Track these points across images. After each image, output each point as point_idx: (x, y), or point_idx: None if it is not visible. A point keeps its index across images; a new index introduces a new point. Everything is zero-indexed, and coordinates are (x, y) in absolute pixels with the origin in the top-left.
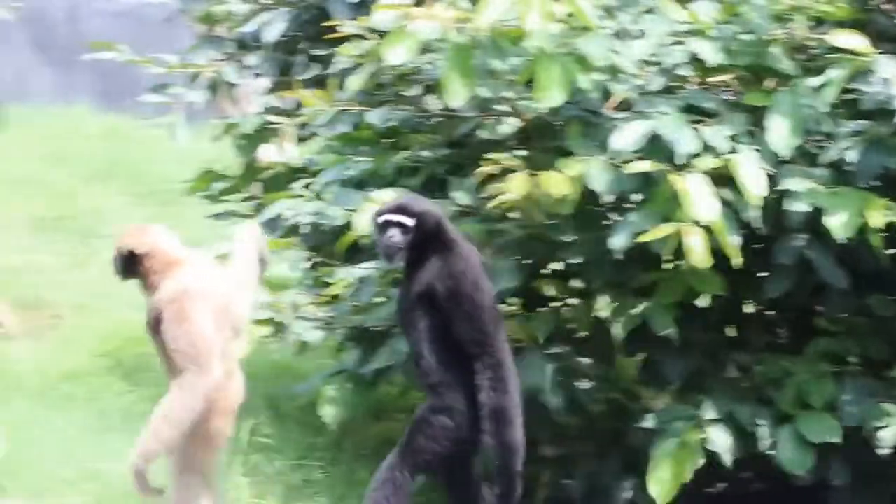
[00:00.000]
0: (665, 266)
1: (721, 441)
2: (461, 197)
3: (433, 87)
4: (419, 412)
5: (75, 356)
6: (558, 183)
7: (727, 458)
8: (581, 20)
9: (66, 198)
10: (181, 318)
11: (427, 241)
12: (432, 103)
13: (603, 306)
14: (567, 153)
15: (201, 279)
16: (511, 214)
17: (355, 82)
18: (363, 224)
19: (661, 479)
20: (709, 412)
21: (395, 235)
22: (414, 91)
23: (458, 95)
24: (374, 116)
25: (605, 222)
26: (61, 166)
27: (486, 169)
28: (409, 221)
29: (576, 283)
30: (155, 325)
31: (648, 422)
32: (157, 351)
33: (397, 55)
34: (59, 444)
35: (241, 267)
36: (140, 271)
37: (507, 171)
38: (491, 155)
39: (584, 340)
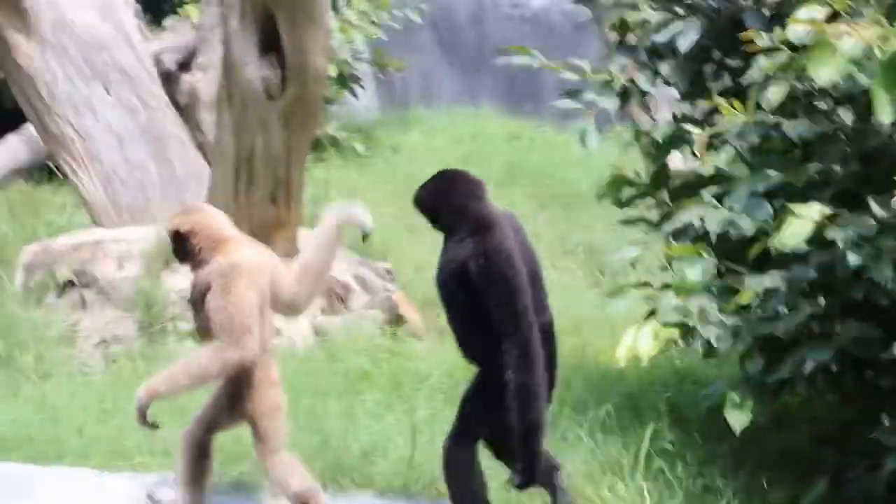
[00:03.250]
0: None
1: None
2: (878, 211)
3: (844, 100)
4: (466, 395)
5: None
6: None
7: None
8: None
9: None
10: (225, 292)
11: (458, 220)
12: (845, 116)
13: None
14: None
15: (253, 255)
16: None
17: (775, 95)
18: (787, 236)
19: None
20: None
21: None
22: (826, 104)
23: (887, 112)
24: (791, 128)
25: None
26: (467, 168)
27: None
28: (422, 203)
29: None
30: (199, 300)
31: None
32: (194, 320)
33: (824, 74)
34: None
35: (313, 251)
36: (188, 250)
37: None
38: None
39: None
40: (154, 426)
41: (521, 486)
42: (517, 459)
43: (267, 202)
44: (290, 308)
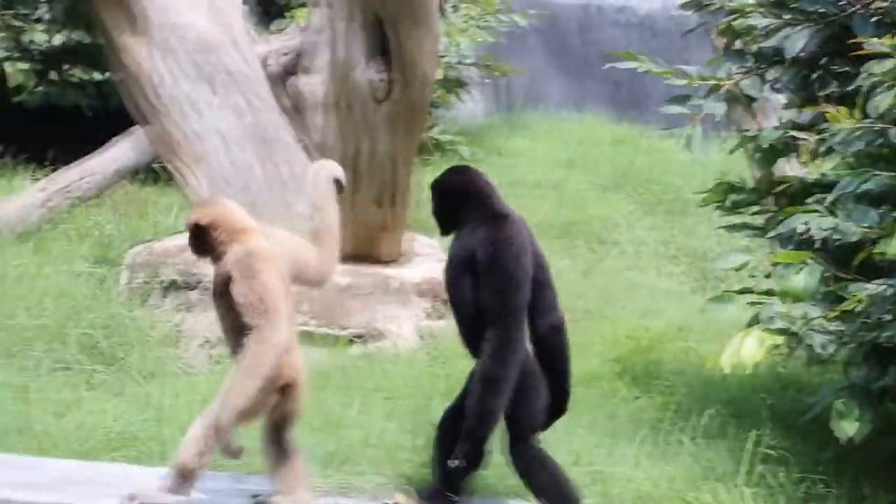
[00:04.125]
0: None
1: None
2: None
3: None
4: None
5: (584, 360)
6: None
7: None
8: None
9: (577, 204)
10: (249, 275)
11: (474, 211)
12: None
13: None
14: None
15: (269, 245)
16: None
17: (883, 101)
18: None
19: None
20: None
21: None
22: None
23: None
24: None
25: None
26: (573, 173)
27: None
28: (443, 191)
29: None
30: (222, 290)
31: None
32: (219, 319)
33: None
34: (568, 446)
35: (318, 214)
36: (208, 243)
37: None
38: None
39: None
40: (240, 452)
41: (459, 474)
42: (459, 443)
43: (372, 205)
44: (320, 277)
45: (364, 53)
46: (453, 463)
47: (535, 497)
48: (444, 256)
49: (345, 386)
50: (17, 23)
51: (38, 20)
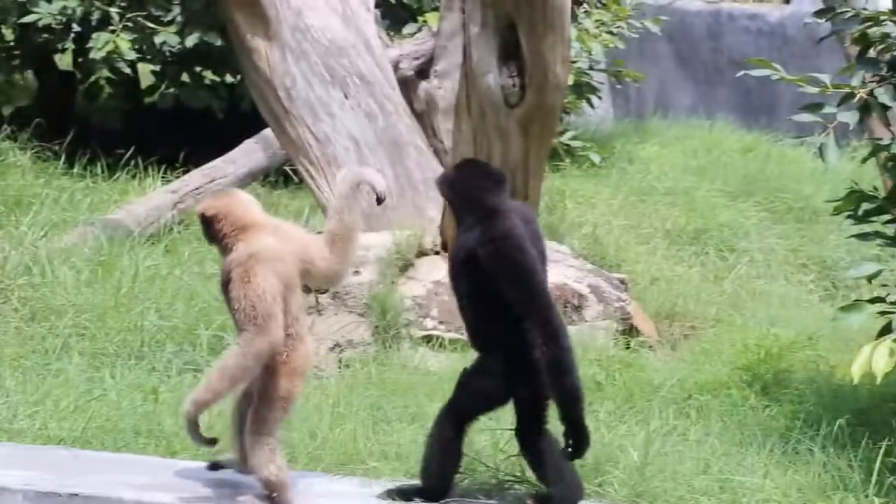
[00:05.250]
0: None
1: None
2: None
3: None
4: (465, 372)
5: (712, 368)
6: None
7: None
8: None
9: (706, 211)
10: (245, 280)
11: (468, 208)
12: None
13: None
14: None
15: (273, 243)
16: None
17: None
18: None
19: None
20: None
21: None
22: None
23: None
24: None
25: None
26: (702, 180)
27: None
28: (441, 189)
29: None
30: (226, 286)
31: None
32: (228, 312)
33: None
34: (695, 453)
35: (335, 216)
36: (214, 234)
37: None
38: None
39: None
40: (212, 442)
41: (575, 455)
42: (565, 433)
43: None
44: (328, 279)
45: (497, 58)
46: (567, 455)
47: (543, 483)
48: (575, 262)
49: None
50: (149, 24)
51: (171, 22)
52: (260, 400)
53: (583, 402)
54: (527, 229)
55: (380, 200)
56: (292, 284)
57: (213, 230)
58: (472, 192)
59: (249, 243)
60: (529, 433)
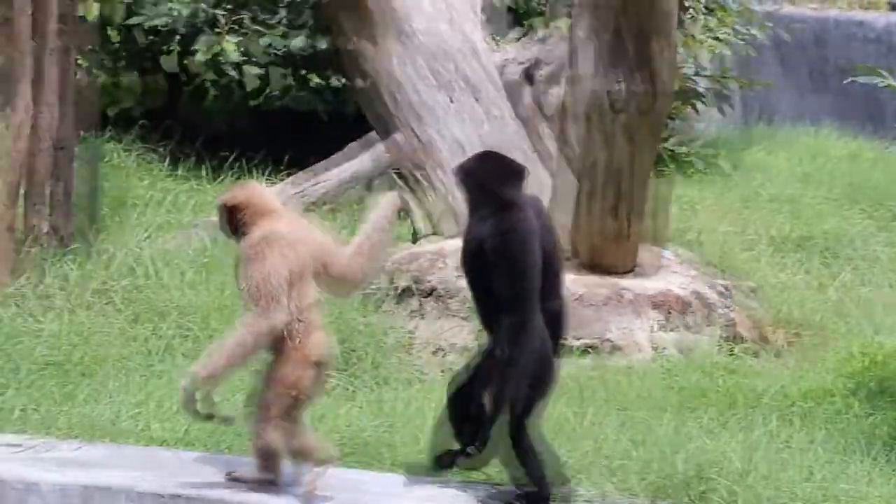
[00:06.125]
0: None
1: None
2: None
3: None
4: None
5: (815, 375)
6: None
7: None
8: None
9: (811, 218)
10: (254, 261)
11: (484, 200)
12: None
13: None
14: None
15: (287, 230)
16: None
17: None
18: None
19: None
20: None
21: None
22: None
23: None
24: None
25: None
26: (808, 187)
27: None
28: (458, 179)
29: None
30: (238, 268)
31: None
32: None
33: None
34: (798, 461)
35: (368, 231)
36: (235, 224)
37: None
38: None
39: None
40: (208, 417)
41: (467, 457)
42: (481, 430)
43: (608, 215)
44: (340, 284)
45: (604, 63)
46: (472, 450)
47: (528, 480)
48: (680, 269)
49: (577, 396)
50: (255, 26)
51: (277, 24)
52: (267, 384)
53: (503, 415)
54: (538, 222)
55: (415, 238)
56: (304, 273)
57: (233, 220)
58: (488, 183)
59: (264, 228)
60: (520, 428)
